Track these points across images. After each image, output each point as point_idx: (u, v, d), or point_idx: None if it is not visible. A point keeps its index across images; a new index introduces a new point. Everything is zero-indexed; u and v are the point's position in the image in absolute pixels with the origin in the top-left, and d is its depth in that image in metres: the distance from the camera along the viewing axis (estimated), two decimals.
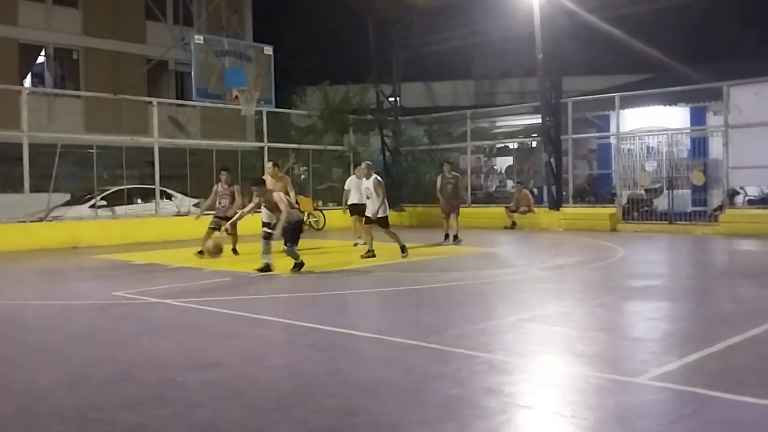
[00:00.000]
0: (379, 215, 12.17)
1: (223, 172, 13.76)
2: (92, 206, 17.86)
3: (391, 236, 12.38)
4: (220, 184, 13.60)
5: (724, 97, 17.12)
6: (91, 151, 18.05)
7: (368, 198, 12.32)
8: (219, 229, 12.64)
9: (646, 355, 5.41)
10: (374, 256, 12.07)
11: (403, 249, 12.25)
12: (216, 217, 13.12)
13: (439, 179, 15.75)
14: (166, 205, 18.81)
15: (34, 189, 16.19)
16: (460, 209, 15.79)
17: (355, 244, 14.14)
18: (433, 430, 3.82)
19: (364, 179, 12.48)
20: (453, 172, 15.78)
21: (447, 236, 15.23)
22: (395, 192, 23.74)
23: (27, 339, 6.59)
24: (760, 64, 17.66)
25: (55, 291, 9.58)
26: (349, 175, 15.21)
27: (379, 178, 12.41)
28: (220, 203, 13.36)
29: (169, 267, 11.85)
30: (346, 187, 14.61)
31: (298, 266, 10.41)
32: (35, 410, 4.30)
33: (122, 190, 18.91)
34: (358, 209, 13.82)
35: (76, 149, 19.03)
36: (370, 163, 12.83)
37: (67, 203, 18.37)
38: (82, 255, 14.12)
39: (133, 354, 5.74)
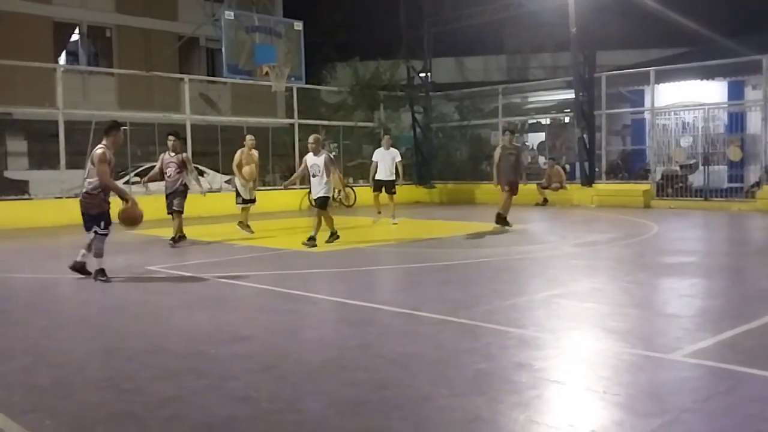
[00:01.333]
0: (321, 194, 10.72)
1: (170, 137, 11.77)
2: (126, 182, 18.08)
3: (325, 220, 10.86)
4: (167, 152, 11.74)
5: (764, 70, 16.67)
6: (124, 127, 18.20)
7: (314, 176, 10.78)
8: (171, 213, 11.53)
9: (679, 331, 5.34)
10: (338, 237, 10.95)
11: (333, 235, 10.91)
12: (166, 196, 11.56)
13: (497, 151, 13.58)
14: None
15: (70, 165, 16.44)
16: (518, 187, 13.62)
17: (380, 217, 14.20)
18: (463, 403, 3.82)
19: (312, 155, 10.86)
20: (515, 143, 13.78)
21: (504, 219, 13.17)
22: (425, 169, 23.70)
23: (63, 312, 6.73)
24: None
25: (91, 265, 9.73)
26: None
27: (332, 155, 11.19)
28: (166, 174, 11.57)
29: (202, 242, 11.98)
30: (374, 158, 14.52)
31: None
32: (71, 381, 4.40)
33: (155, 166, 19.09)
34: (381, 184, 13.94)
35: None
36: (318, 136, 11.18)
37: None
38: (116, 230, 14.27)
39: (166, 327, 5.83)
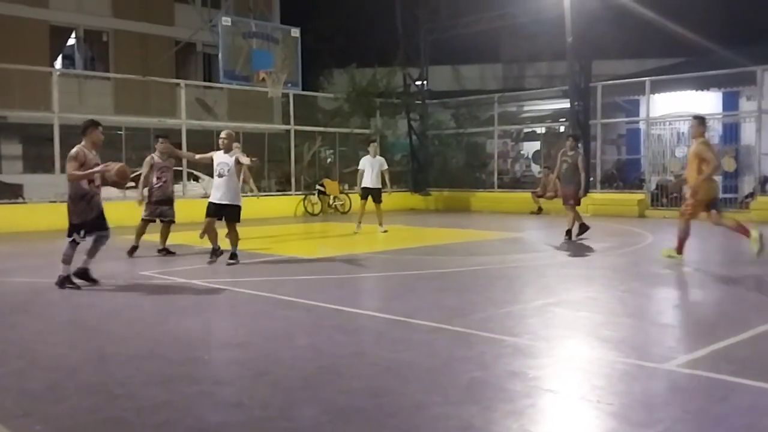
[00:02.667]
0: (230, 201, 9.50)
1: (162, 140, 10.95)
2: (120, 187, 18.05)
3: (233, 234, 9.68)
4: (155, 155, 10.82)
5: (758, 81, 16.76)
6: (119, 132, 18.22)
7: (220, 176, 9.52)
8: (154, 222, 10.94)
9: (673, 341, 5.35)
10: (220, 254, 9.73)
11: (215, 252, 9.71)
12: (154, 203, 10.72)
13: (558, 157, 12.80)
14: (194, 187, 18.97)
15: (65, 169, 16.39)
16: (579, 198, 12.77)
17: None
18: (457, 411, 3.82)
19: (222, 152, 9.67)
20: (577, 150, 12.81)
21: (569, 232, 12.43)
22: (421, 176, 23.73)
23: (57, 316, 6.71)
24: None
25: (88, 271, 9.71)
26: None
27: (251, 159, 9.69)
28: (161, 179, 10.70)
29: (196, 248, 11.95)
30: (360, 167, 14.28)
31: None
32: (64, 385, 4.38)
33: (141, 172, 19.07)
34: (368, 192, 13.89)
35: (105, 130, 19.00)
36: (232, 132, 10.01)
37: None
38: (111, 235, 14.27)
39: (159, 332, 5.82)
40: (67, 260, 7.86)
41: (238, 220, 9.66)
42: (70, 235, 7.83)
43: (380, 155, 14.57)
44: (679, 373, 4.51)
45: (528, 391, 4.18)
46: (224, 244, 9.72)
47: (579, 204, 12.70)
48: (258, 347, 5.27)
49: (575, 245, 11.91)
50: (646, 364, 4.70)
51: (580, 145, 13.06)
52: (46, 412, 3.91)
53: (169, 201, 10.81)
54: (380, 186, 14.08)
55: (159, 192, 10.71)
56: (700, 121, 9.90)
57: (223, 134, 9.81)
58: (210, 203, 9.59)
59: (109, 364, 4.82)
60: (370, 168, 14.02)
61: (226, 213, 9.54)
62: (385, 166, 14.29)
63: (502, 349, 5.13)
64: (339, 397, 4.09)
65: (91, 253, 7.99)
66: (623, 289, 7.81)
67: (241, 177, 10.33)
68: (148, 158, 10.71)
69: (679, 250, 9.62)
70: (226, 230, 9.62)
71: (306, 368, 4.70)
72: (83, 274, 7.99)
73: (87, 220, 7.81)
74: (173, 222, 10.94)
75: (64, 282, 7.85)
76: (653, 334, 5.76)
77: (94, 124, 8.17)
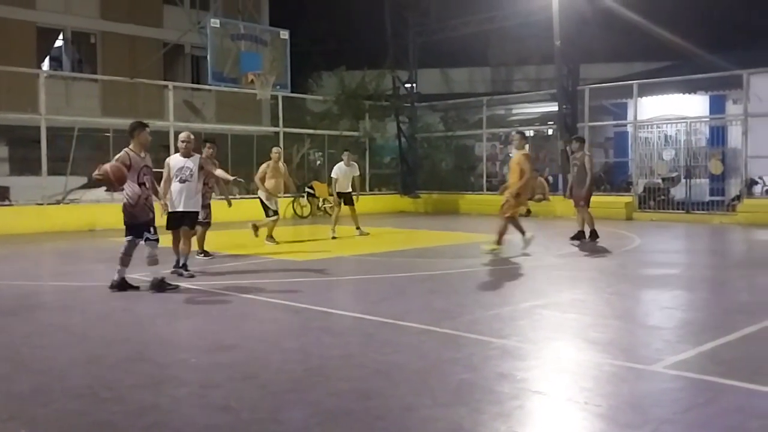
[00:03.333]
0: (192, 208, 8.84)
1: (208, 144, 10.93)
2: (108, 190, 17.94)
3: (188, 241, 8.97)
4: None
5: (744, 85, 16.90)
6: (107, 134, 18.12)
7: (183, 182, 8.75)
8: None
9: (661, 343, 5.38)
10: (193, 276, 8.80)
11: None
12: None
13: (568, 161, 12.87)
14: None
15: (52, 172, 16.32)
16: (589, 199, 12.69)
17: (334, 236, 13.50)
18: (445, 413, 3.82)
19: (178, 156, 9.01)
20: (583, 151, 12.83)
21: (580, 234, 12.50)
22: (411, 179, 23.76)
23: (45, 319, 6.66)
24: None
25: (72, 272, 9.66)
26: (360, 161, 14.91)
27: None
28: (206, 185, 10.26)
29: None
30: (333, 174, 14.09)
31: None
32: (51, 388, 4.35)
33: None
34: (341, 196, 13.85)
35: (93, 133, 19.12)
36: (191, 135, 9.20)
37: (84, 186, 18.48)
38: (99, 237, 14.22)
39: (148, 335, 5.79)
40: (122, 261, 7.78)
41: (194, 228, 9.25)
42: (139, 235, 7.79)
43: (366, 158, 14.60)
44: (667, 374, 4.53)
45: (516, 393, 4.19)
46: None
47: (588, 205, 12.68)
48: (246, 350, 5.25)
49: (589, 245, 12.06)
50: (634, 365, 4.72)
51: (586, 146, 13.19)
52: (32, 415, 3.88)
53: (209, 205, 10.66)
54: (350, 190, 14.07)
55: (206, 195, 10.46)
56: (522, 135, 11.59)
57: (182, 137, 9.08)
58: (172, 213, 8.70)
59: (97, 367, 4.79)
60: (343, 177, 13.92)
61: (186, 220, 8.85)
62: (357, 173, 14.29)
63: (490, 351, 5.14)
64: (327, 399, 4.09)
65: (123, 260, 7.80)
66: (611, 292, 7.85)
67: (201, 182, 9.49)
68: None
69: (499, 241, 10.94)
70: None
71: (294, 371, 4.69)
72: (121, 283, 7.81)
73: (130, 224, 7.77)
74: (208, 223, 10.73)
75: (118, 285, 7.71)
76: (641, 335, 5.80)
77: (141, 125, 7.97)
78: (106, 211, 16.66)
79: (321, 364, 4.86)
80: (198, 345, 5.39)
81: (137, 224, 7.73)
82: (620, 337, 5.64)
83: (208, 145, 10.84)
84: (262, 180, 12.49)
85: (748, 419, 3.76)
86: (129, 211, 7.74)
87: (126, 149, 7.86)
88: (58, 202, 16.56)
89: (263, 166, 12.66)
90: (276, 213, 12.45)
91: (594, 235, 12.39)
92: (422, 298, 7.40)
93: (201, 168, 8.94)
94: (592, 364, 4.85)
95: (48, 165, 15.91)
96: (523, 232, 11.24)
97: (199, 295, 7.65)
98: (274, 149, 13.03)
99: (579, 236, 12.47)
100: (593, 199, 12.88)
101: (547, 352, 5.20)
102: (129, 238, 7.76)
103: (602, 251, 11.48)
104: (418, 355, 5.06)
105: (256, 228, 12.58)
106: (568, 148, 12.78)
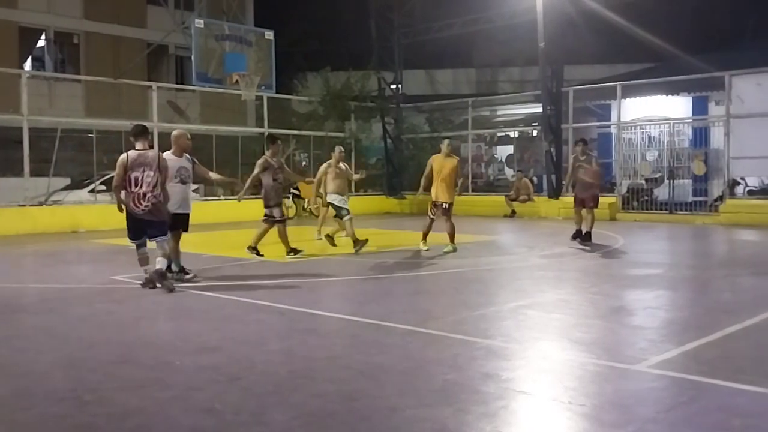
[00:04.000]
0: (188, 210, 8.75)
1: (279, 141, 10.91)
2: (92, 191, 17.83)
3: (177, 249, 8.61)
4: (269, 158, 10.49)
5: (726, 86, 17.05)
6: (91, 135, 17.99)
7: (184, 183, 8.63)
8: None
9: (644, 342, 5.41)
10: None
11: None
12: (273, 206, 10.54)
13: (571, 161, 13.20)
14: None
15: (34, 173, 16.17)
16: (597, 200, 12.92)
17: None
18: (431, 414, 3.82)
19: (171, 154, 8.52)
20: (589, 153, 12.98)
21: (578, 233, 12.48)
22: (396, 180, 23.76)
23: (27, 321, 6.60)
24: (762, 53, 17.59)
25: (55, 274, 9.58)
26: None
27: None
28: (276, 180, 10.53)
29: None
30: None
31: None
32: (32, 392, 4.30)
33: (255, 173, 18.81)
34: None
35: (76, 133, 18.96)
36: (182, 131, 8.98)
37: (67, 187, 18.35)
38: (82, 239, 14.12)
39: (131, 337, 5.75)
40: (164, 255, 7.92)
41: (187, 230, 8.84)
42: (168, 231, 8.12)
43: (353, 159, 14.49)
44: (650, 373, 4.56)
45: (501, 393, 4.20)
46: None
47: (597, 206, 12.86)
48: (230, 352, 5.23)
49: (591, 245, 12.19)
50: (618, 365, 4.75)
51: (590, 148, 13.46)
52: (14, 418, 3.84)
53: (281, 203, 10.83)
54: None
55: (275, 193, 10.61)
56: (449, 142, 12.70)
57: (179, 133, 8.77)
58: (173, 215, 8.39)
59: (80, 370, 4.75)
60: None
61: (180, 222, 8.58)
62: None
63: (475, 351, 5.15)
64: (312, 401, 4.08)
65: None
66: (595, 292, 7.89)
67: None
68: (261, 160, 10.50)
69: (424, 237, 11.98)
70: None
71: (279, 372, 4.68)
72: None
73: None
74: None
75: (158, 277, 7.79)
76: (624, 335, 5.83)
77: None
78: (89, 212, 16.55)
79: (306, 366, 4.84)
80: (182, 347, 5.36)
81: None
82: (604, 337, 5.67)
83: (278, 141, 10.98)
84: (320, 182, 12.28)
85: (731, 418, 3.79)
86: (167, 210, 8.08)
87: (167, 153, 8.33)
88: (40, 204, 16.42)
89: (323, 167, 12.34)
90: (349, 212, 11.92)
91: (587, 236, 12.48)
92: (408, 299, 7.41)
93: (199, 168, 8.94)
94: (576, 363, 4.87)
95: (30, 166, 15.76)
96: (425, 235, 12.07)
97: (183, 296, 7.60)
98: (338, 148, 12.69)
99: (578, 235, 12.54)
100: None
101: (532, 352, 5.22)
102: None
103: (586, 251, 11.54)
104: (403, 355, 5.06)
105: (331, 238, 12.21)
106: (577, 149, 12.88)
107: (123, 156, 7.76)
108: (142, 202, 7.72)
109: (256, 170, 10.51)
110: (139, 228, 7.88)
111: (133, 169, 7.69)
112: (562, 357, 5.07)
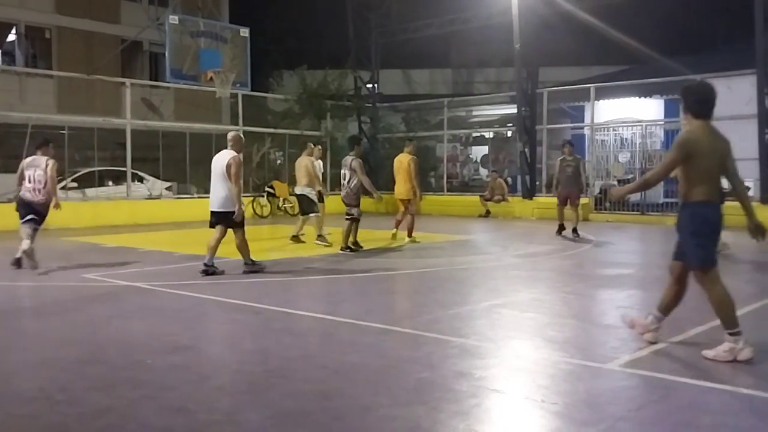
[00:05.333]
0: (228, 208, 8.68)
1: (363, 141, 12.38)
2: (63, 188, 17.57)
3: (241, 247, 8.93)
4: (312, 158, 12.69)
5: None
6: (62, 131, 17.76)
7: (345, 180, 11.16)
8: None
9: (616, 341, 5.47)
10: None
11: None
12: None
13: (557, 162, 13.94)
14: (138, 188, 18.59)
15: (4, 169, 15.93)
16: (581, 198, 14.04)
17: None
18: (404, 413, 3.83)
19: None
20: (575, 154, 13.85)
21: (561, 228, 13.61)
22: (372, 179, 23.68)
23: None
24: (732, 57, 17.86)
25: (25, 273, 9.42)
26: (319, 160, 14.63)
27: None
28: (346, 180, 11.65)
29: (141, 250, 11.73)
30: (320, 171, 14.01)
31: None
32: (2, 391, 4.24)
33: (93, 171, 18.67)
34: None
35: (48, 130, 18.67)
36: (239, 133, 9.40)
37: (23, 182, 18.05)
38: (53, 237, 13.90)
39: (103, 336, 5.68)
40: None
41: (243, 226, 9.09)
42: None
43: (329, 158, 14.52)
44: (622, 372, 4.61)
45: (474, 391, 4.22)
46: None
47: (576, 204, 13.68)
48: (203, 351, 5.19)
49: (574, 241, 12.71)
50: (590, 364, 4.79)
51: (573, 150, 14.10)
52: None
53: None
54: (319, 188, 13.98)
55: (359, 194, 11.62)
56: (410, 141, 13.51)
57: (240, 136, 9.21)
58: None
59: (50, 370, 4.68)
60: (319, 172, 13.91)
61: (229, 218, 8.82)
62: (322, 169, 14.27)
63: (449, 349, 5.17)
64: (286, 400, 4.06)
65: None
66: (568, 291, 7.95)
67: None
68: (359, 162, 11.54)
69: (410, 234, 12.57)
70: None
71: (253, 372, 4.65)
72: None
73: None
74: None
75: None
76: (597, 334, 5.89)
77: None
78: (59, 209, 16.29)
79: (280, 365, 4.82)
80: (154, 346, 5.30)
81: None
82: (577, 336, 5.73)
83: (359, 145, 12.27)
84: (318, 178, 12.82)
85: (700, 415, 3.84)
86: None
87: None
88: (10, 201, 16.12)
89: (313, 162, 12.63)
90: (318, 210, 12.62)
91: (575, 231, 13.38)
92: (382, 298, 7.41)
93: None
94: (549, 362, 4.90)
95: (0, 162, 15.50)
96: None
97: (156, 295, 7.53)
98: (318, 146, 13.42)
99: (561, 229, 13.55)
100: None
101: (506, 350, 5.25)
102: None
103: (559, 251, 11.63)
104: (377, 354, 5.06)
105: (297, 237, 12.49)
106: (565, 150, 13.79)
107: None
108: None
109: (360, 171, 11.44)
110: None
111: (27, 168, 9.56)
112: (536, 356, 5.10)
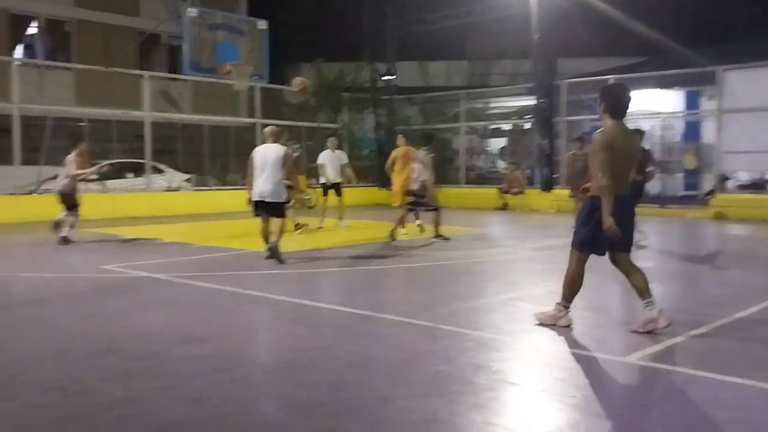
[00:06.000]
0: (280, 199, 9.31)
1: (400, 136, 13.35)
2: (82, 180, 17.71)
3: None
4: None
5: (718, 81, 17.06)
6: (82, 124, 17.88)
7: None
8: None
9: (633, 335, 5.41)
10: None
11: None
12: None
13: (568, 157, 13.90)
14: (157, 180, 18.70)
15: (25, 161, 16.05)
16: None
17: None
18: (421, 405, 3.81)
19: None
20: (585, 150, 13.52)
21: None
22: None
23: (14, 311, 6.54)
24: (754, 48, 17.60)
25: (44, 264, 9.51)
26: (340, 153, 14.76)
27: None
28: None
29: (159, 241, 11.80)
30: (319, 161, 14.21)
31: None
32: (18, 382, 4.27)
33: (112, 164, 18.78)
34: (328, 187, 13.81)
35: (67, 122, 18.84)
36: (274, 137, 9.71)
37: (57, 176, 18.22)
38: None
39: (120, 327, 5.71)
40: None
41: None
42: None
43: (344, 149, 14.52)
44: (640, 365, 4.56)
45: (492, 384, 4.19)
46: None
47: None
48: (219, 342, 5.20)
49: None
50: (607, 357, 4.75)
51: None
52: None
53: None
54: (340, 180, 14.09)
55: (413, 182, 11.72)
56: (403, 135, 13.61)
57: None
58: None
59: (66, 360, 4.71)
60: (330, 163, 13.98)
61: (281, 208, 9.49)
62: (345, 160, 14.29)
63: (466, 342, 5.14)
64: (301, 391, 4.05)
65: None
66: (585, 284, 7.84)
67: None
68: (430, 158, 11.63)
69: (402, 224, 12.09)
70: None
71: (268, 363, 4.66)
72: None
73: None
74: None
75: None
76: (614, 327, 5.83)
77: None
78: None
79: (295, 356, 4.82)
80: (169, 337, 5.32)
81: None
82: (594, 329, 5.68)
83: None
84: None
85: (717, 410, 3.79)
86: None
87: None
88: (30, 192, 16.31)
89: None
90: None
91: None
92: (399, 291, 7.39)
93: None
94: (566, 355, 4.86)
95: (21, 154, 15.64)
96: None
97: (173, 286, 7.56)
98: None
99: None
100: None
101: (523, 343, 5.21)
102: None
103: (552, 245, 11.53)
104: (394, 346, 5.04)
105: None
106: (576, 145, 13.74)
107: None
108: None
109: (431, 166, 11.48)
110: None
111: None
112: (553, 348, 5.06)
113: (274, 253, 9.02)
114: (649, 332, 5.27)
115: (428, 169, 11.50)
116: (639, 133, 13.34)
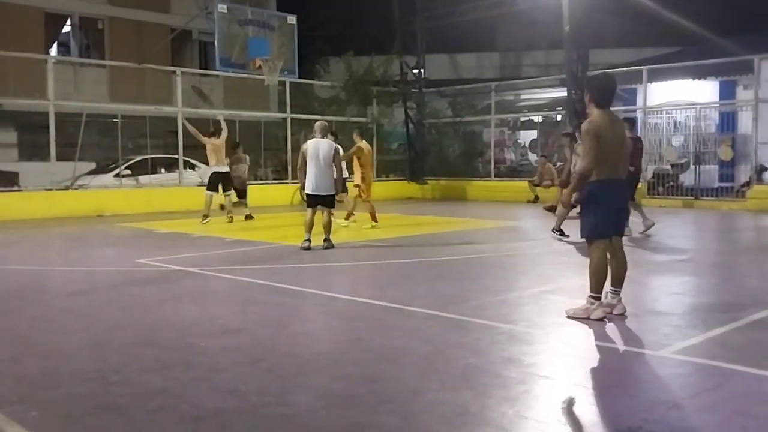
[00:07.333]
0: (332, 192, 10.04)
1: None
2: (116, 175, 18.02)
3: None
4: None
5: (755, 70, 16.73)
6: (115, 120, 18.16)
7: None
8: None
9: (669, 328, 5.36)
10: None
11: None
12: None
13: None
14: (190, 175, 18.92)
15: (60, 157, 16.35)
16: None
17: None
18: (452, 397, 3.82)
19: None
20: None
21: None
22: (418, 165, 23.70)
23: (53, 303, 6.69)
24: None
25: (80, 257, 9.70)
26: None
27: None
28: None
29: (192, 236, 11.95)
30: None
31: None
32: (59, 372, 4.37)
33: (146, 159, 19.06)
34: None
35: (101, 118, 19.16)
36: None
37: (92, 172, 18.56)
38: (107, 223, 14.27)
39: (155, 319, 5.81)
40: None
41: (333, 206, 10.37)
42: None
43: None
44: (675, 359, 4.52)
45: (523, 378, 4.19)
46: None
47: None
48: (253, 334, 5.27)
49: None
50: (641, 350, 4.71)
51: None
52: (41, 398, 3.90)
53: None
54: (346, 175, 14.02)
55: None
56: (357, 129, 13.59)
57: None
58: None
59: (105, 351, 4.82)
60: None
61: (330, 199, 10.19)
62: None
63: (497, 335, 5.14)
64: (334, 383, 4.10)
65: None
66: None
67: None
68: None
69: (374, 218, 12.44)
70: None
71: (301, 355, 4.70)
72: None
73: None
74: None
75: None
76: (648, 321, 5.77)
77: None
78: (114, 196, 16.74)
79: (328, 349, 4.86)
80: (205, 329, 5.41)
81: None
82: (628, 323, 5.62)
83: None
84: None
85: (756, 404, 3.74)
86: None
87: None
88: (66, 188, 16.62)
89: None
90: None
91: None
92: (429, 284, 7.40)
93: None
94: (599, 349, 4.84)
95: (56, 151, 15.94)
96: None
97: (207, 279, 7.67)
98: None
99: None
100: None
101: (554, 337, 5.19)
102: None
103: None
104: (424, 339, 5.06)
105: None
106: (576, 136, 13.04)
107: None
108: None
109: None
110: None
111: None
112: (585, 342, 5.04)
113: (329, 245, 9.84)
114: (585, 318, 5.48)
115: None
116: (628, 121, 13.28)
